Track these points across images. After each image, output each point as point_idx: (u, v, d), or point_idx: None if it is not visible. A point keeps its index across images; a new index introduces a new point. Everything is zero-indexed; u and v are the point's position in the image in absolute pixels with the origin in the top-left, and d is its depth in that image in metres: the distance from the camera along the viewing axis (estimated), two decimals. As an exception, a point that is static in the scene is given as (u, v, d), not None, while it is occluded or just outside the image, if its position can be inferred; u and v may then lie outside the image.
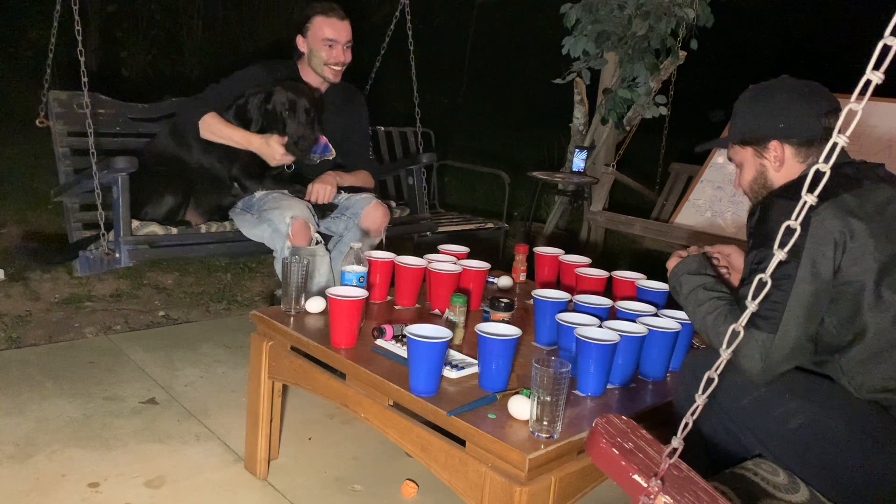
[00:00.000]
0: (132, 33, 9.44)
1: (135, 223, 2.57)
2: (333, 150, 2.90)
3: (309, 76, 2.90)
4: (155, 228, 2.60)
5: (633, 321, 1.82)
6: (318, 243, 2.62)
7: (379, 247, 2.82)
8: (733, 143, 1.72)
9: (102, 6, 8.91)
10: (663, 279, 2.19)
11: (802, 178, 1.62)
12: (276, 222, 2.58)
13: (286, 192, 2.76)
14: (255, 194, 2.78)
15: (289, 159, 2.73)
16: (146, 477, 2.07)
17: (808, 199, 0.90)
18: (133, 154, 2.61)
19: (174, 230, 2.64)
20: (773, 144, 1.63)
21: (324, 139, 2.88)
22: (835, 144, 0.87)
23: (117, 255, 2.47)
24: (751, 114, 1.68)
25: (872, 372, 1.47)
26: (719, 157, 3.96)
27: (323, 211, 2.78)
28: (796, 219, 0.93)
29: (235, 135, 2.71)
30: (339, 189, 2.83)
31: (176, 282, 3.74)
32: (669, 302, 2.11)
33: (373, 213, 2.77)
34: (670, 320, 1.87)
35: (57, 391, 2.51)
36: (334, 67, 2.84)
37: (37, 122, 2.82)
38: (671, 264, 1.77)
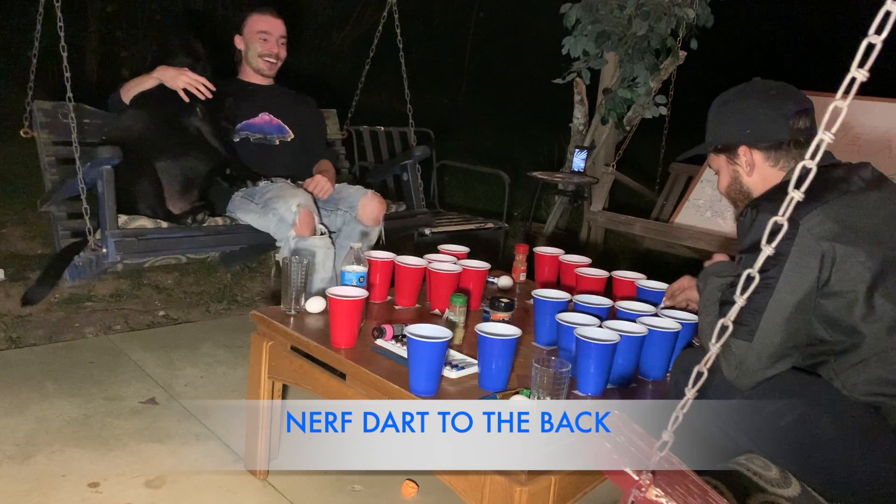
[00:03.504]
0: (132, 33, 9.43)
1: (123, 218, 2.50)
2: (291, 132, 3.04)
3: (248, 76, 3.04)
4: (144, 222, 2.55)
5: (633, 321, 1.82)
6: (322, 234, 2.63)
7: (378, 243, 2.83)
8: (708, 151, 1.73)
9: (102, 6, 8.90)
10: (663, 279, 2.20)
11: (788, 180, 1.63)
12: (281, 211, 2.59)
13: (288, 182, 2.79)
14: (259, 184, 2.80)
15: (195, 80, 2.69)
16: (146, 477, 2.06)
17: (795, 195, 0.89)
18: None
19: (164, 224, 2.58)
20: (742, 150, 1.64)
21: (277, 120, 3.02)
22: (821, 142, 0.86)
23: (104, 250, 2.39)
24: (719, 121, 1.69)
25: (865, 375, 1.46)
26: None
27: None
28: (783, 215, 0.92)
29: (145, 79, 2.69)
30: None
31: (176, 282, 3.74)
32: (669, 302, 2.11)
33: (369, 204, 2.78)
34: (670, 320, 1.87)
35: (57, 391, 2.51)
36: (268, 59, 3.00)
37: (21, 132, 2.74)
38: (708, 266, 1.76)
